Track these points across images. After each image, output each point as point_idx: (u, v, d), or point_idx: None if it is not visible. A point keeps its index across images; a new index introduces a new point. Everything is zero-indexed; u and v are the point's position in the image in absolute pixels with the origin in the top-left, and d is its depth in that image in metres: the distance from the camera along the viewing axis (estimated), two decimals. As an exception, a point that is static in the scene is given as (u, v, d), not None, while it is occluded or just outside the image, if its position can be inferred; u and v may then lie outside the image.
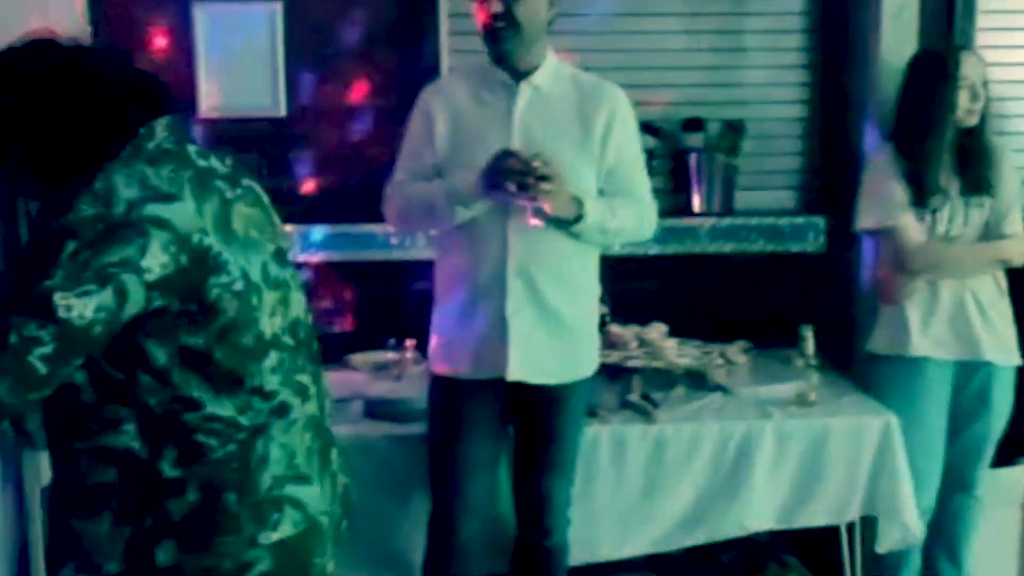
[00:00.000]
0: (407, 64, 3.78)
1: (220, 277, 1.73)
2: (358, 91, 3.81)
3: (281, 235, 1.96)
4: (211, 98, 3.73)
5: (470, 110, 2.75)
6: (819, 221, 3.92)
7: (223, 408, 1.77)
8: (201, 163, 1.82)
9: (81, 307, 1.61)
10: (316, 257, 3.79)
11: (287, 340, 1.87)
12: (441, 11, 3.79)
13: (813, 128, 3.99)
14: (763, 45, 3.95)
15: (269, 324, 1.82)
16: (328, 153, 3.82)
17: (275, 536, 1.82)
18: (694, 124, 3.89)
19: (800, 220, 3.93)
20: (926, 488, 3.32)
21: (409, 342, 3.57)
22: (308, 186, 3.84)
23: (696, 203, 3.90)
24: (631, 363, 3.38)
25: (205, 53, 3.72)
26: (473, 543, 2.87)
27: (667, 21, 3.90)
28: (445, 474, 2.83)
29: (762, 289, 3.93)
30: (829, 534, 3.34)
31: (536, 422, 2.84)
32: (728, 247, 3.91)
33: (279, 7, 3.73)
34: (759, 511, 3.21)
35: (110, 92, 1.79)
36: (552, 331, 2.76)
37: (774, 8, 3.93)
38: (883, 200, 3.28)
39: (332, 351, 3.63)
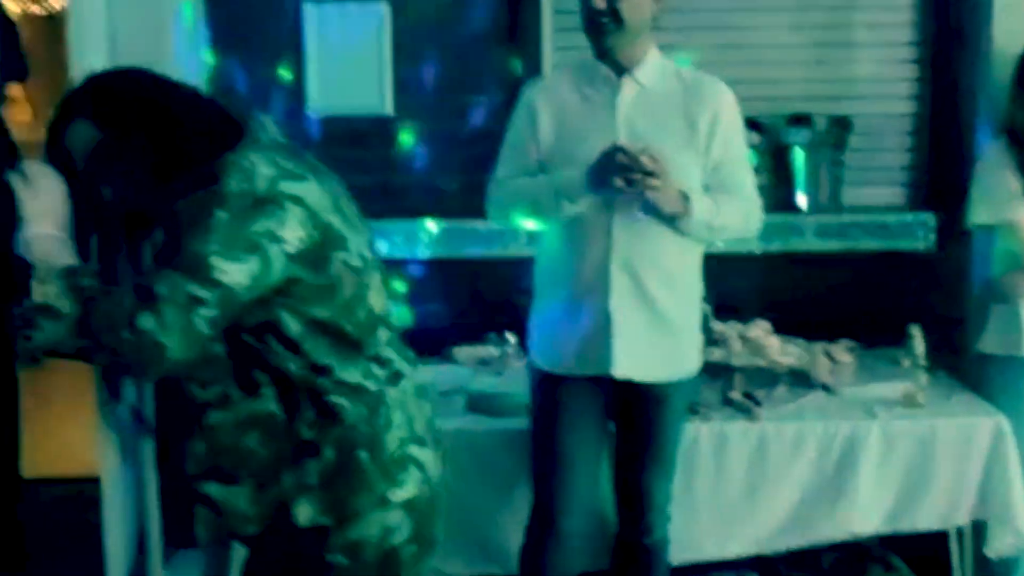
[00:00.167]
0: (512, 61, 3.80)
1: (341, 253, 1.86)
2: (464, 88, 3.84)
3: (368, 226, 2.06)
4: (319, 96, 3.81)
5: (574, 106, 2.75)
6: (929, 218, 3.85)
7: (349, 374, 1.89)
8: (307, 154, 1.97)
9: (235, 272, 1.73)
10: (421, 253, 3.85)
11: (390, 319, 2.01)
12: (545, 8, 3.81)
13: (923, 122, 3.91)
14: (871, 39, 3.89)
15: (376, 301, 1.95)
16: (433, 150, 3.87)
17: (402, 495, 1.94)
18: (800, 119, 3.84)
19: (909, 217, 3.87)
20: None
21: (511, 337, 3.61)
22: (413, 183, 3.89)
23: (801, 200, 3.86)
24: (733, 361, 3.36)
25: (314, 52, 3.80)
26: (574, 539, 2.88)
27: (773, 16, 3.86)
28: (547, 470, 2.85)
29: (869, 287, 3.87)
30: (936, 537, 3.28)
31: (638, 419, 2.84)
32: (834, 245, 3.86)
33: (386, 6, 3.79)
34: (864, 514, 3.17)
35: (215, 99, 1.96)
36: (656, 328, 2.75)
37: (883, 1, 3.87)
38: (997, 194, 3.20)
39: (436, 345, 3.70)
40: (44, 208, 1.83)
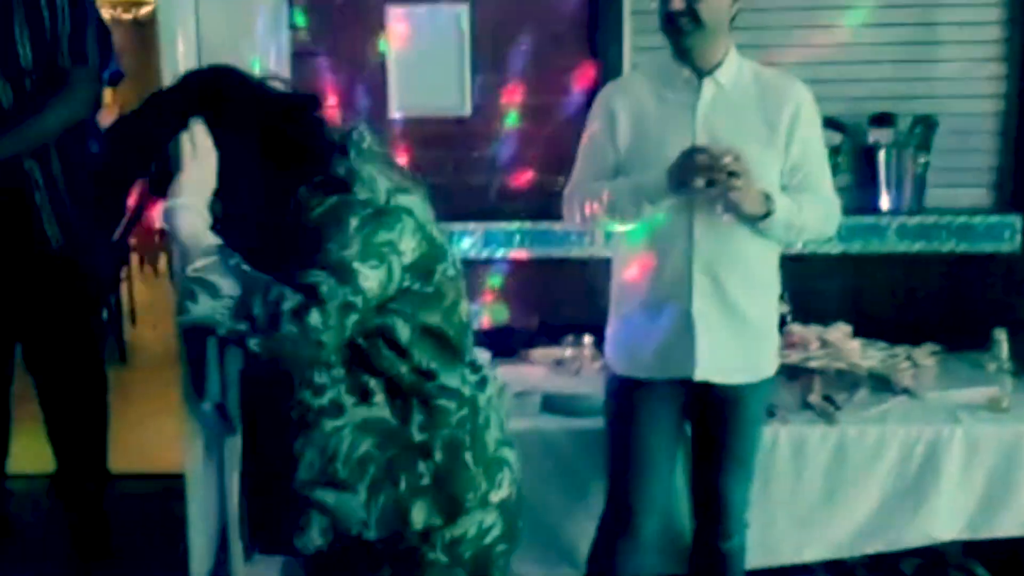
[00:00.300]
0: (591, 62, 3.81)
1: (442, 264, 1.91)
2: (542, 90, 3.86)
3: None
4: (400, 97, 3.85)
5: (652, 108, 2.74)
6: (1015, 220, 3.77)
7: (451, 378, 1.95)
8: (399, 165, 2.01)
9: (372, 279, 1.78)
10: (498, 254, 3.87)
11: (472, 325, 2.06)
12: (625, 9, 3.81)
13: (1009, 122, 3.83)
14: (957, 36, 3.81)
15: (464, 308, 2.00)
16: (512, 151, 3.89)
17: (500, 495, 2.00)
18: (883, 119, 3.79)
19: (994, 219, 3.79)
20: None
21: (587, 338, 3.62)
22: (492, 184, 3.91)
23: (883, 201, 3.80)
24: (812, 363, 3.33)
25: (396, 53, 3.84)
26: (648, 542, 2.87)
27: (856, 14, 3.80)
28: (623, 472, 2.84)
29: (952, 290, 3.81)
30: (1019, 543, 3.23)
31: (716, 422, 2.82)
32: (917, 246, 3.80)
33: (466, 8, 3.82)
34: (945, 520, 3.13)
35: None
36: (737, 330, 2.73)
37: (970, -2, 3.81)
38: None
39: (513, 346, 3.72)
40: (201, 179, 1.83)
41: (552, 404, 3.27)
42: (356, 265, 1.76)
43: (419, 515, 1.92)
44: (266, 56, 3.40)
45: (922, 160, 3.78)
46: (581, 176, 2.83)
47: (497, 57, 3.84)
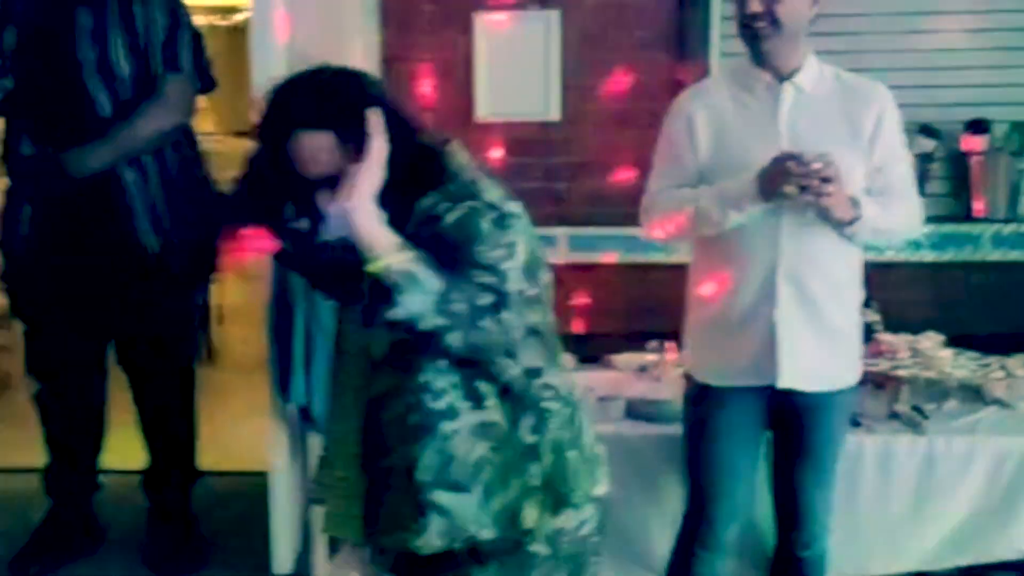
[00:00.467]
0: (679, 68, 3.80)
1: (542, 267, 1.96)
2: (630, 95, 3.85)
3: None
4: (488, 102, 3.87)
5: (732, 114, 2.71)
6: (1113, 228, 3.69)
7: (553, 377, 1.99)
8: None
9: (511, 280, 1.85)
10: (585, 258, 3.87)
11: None
12: (713, 15, 3.79)
13: (1110, 128, 3.75)
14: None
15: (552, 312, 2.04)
16: (600, 157, 3.89)
17: (599, 490, 2.06)
18: (978, 125, 3.72)
19: (1091, 227, 3.71)
20: None
21: (671, 344, 3.60)
22: (580, 189, 3.92)
23: (977, 208, 3.73)
24: (901, 372, 3.28)
25: (484, 58, 3.87)
26: (727, 549, 2.85)
27: (949, 19, 3.74)
28: (703, 479, 2.82)
29: (1049, 300, 3.73)
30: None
31: (799, 429, 2.78)
32: (1013, 255, 3.73)
33: (556, 14, 3.83)
34: (1037, 533, 3.06)
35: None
36: (821, 337, 2.69)
37: (1068, 2, 3.73)
38: None
39: (596, 351, 3.72)
40: (369, 180, 1.84)
41: (635, 410, 3.26)
42: (505, 265, 1.83)
43: (530, 515, 1.96)
44: (356, 62, 3.44)
45: (1018, 167, 3.71)
46: (659, 185, 2.79)
47: (586, 62, 3.85)
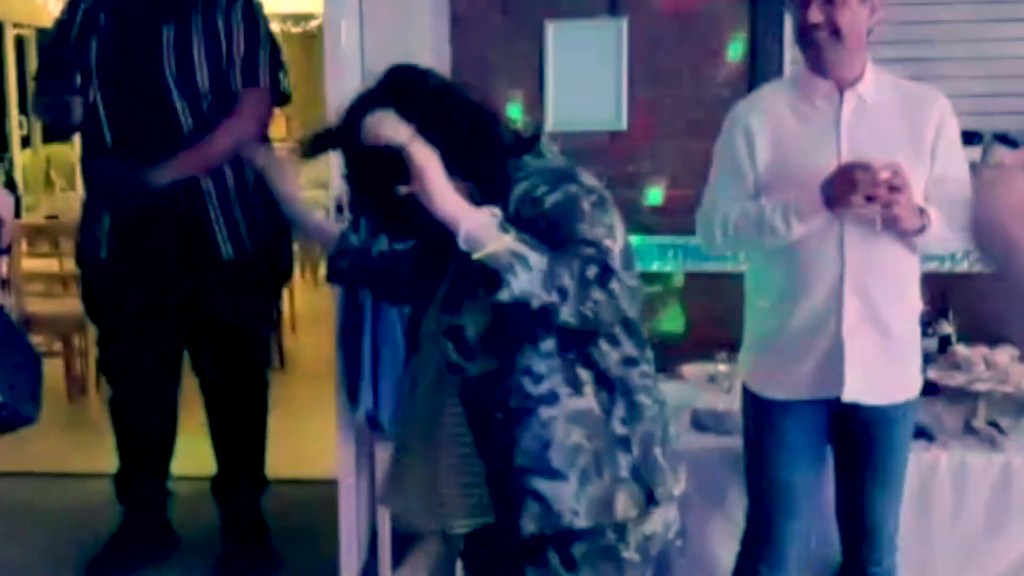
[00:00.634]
0: (749, 77, 3.76)
1: (634, 259, 1.97)
2: (698, 104, 3.82)
3: None
4: (557, 112, 3.87)
5: (792, 123, 2.67)
6: None
7: (645, 370, 2.02)
8: None
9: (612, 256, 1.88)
10: (652, 268, 3.85)
11: None
12: (786, 23, 3.74)
13: None
14: None
15: None
16: (667, 166, 3.87)
17: (680, 488, 2.06)
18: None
19: None
20: None
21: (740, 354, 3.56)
22: (646, 198, 3.90)
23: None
24: (977, 386, 3.21)
25: (554, 67, 3.87)
26: (793, 566, 2.80)
27: (1021, 26, 3.67)
28: (764, 497, 2.78)
29: None
30: None
31: (863, 444, 2.73)
32: (1094, 266, 3.63)
33: (624, 23, 3.82)
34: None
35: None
36: (886, 348, 2.65)
37: None
38: None
39: (665, 361, 3.69)
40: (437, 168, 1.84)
41: (701, 420, 3.24)
42: (607, 243, 1.85)
43: (621, 505, 1.96)
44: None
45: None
46: (718, 195, 2.74)
47: (654, 72, 3.83)
